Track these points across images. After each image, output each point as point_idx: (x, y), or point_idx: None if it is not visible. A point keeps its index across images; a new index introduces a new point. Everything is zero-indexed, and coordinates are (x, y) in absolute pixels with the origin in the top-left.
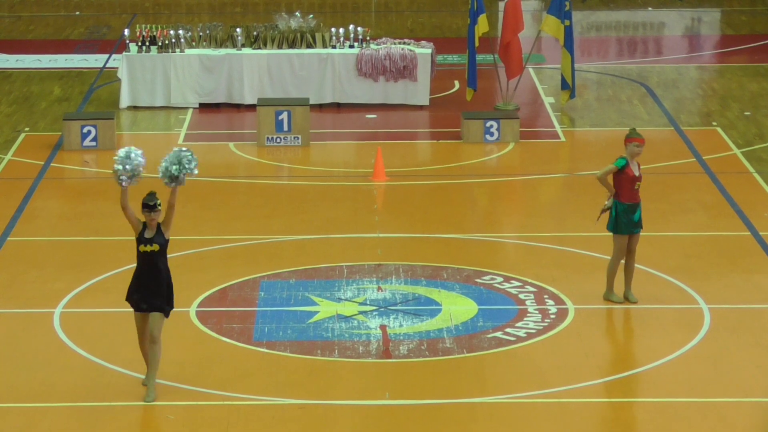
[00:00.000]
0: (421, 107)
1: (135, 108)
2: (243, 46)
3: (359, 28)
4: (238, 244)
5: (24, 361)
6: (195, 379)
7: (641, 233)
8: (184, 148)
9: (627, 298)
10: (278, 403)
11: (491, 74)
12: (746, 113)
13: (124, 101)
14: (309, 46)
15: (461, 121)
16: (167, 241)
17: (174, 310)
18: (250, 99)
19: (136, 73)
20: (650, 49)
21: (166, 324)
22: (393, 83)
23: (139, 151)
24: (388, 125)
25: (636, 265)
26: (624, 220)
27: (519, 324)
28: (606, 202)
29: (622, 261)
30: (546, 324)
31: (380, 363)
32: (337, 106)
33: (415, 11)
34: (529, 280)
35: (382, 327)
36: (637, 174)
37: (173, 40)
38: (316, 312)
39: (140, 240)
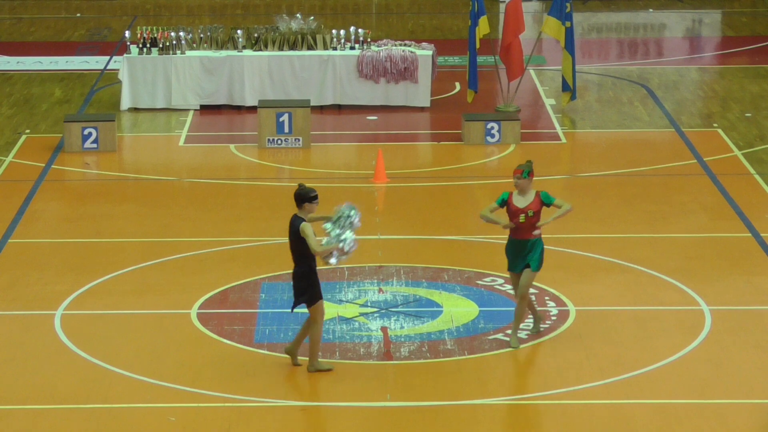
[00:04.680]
0: (422, 109)
1: (136, 110)
2: (244, 47)
3: (360, 30)
4: (239, 246)
5: (25, 363)
6: (196, 380)
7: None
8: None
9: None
10: (279, 404)
11: (492, 76)
12: (747, 115)
13: (125, 103)
14: (310, 47)
15: (462, 123)
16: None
17: (175, 312)
18: (250, 101)
19: (137, 74)
20: (651, 51)
21: (167, 326)
22: (394, 85)
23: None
24: (389, 127)
25: (637, 266)
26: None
27: (520, 326)
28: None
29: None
30: (547, 325)
31: (381, 365)
32: (338, 108)
33: (415, 13)
34: None
35: (383, 329)
36: (521, 206)
37: (174, 42)
38: None
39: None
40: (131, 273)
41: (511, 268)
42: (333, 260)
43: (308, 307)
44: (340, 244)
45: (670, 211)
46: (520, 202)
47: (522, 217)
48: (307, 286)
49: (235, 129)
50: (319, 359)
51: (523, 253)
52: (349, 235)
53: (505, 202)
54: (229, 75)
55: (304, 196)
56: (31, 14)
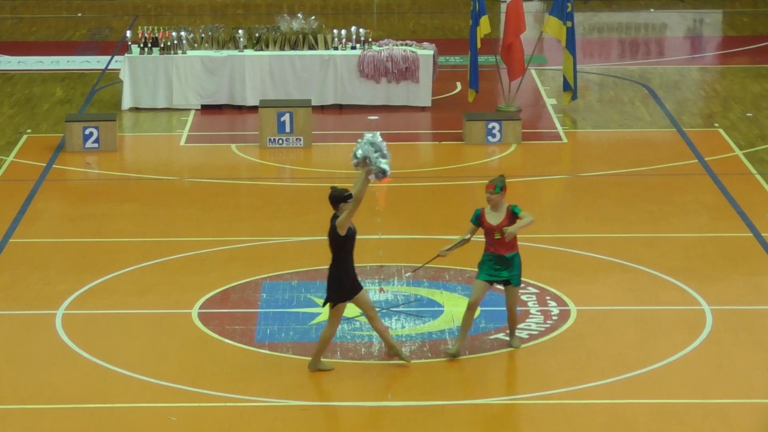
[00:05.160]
0: (423, 109)
1: (137, 109)
2: (245, 47)
3: (361, 30)
4: (240, 245)
5: (26, 363)
6: (197, 380)
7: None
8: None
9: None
10: (280, 404)
11: (493, 76)
12: (748, 114)
13: (126, 103)
14: (311, 47)
15: (463, 123)
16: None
17: (176, 311)
18: (252, 100)
19: (138, 74)
20: (652, 51)
21: (169, 325)
22: (395, 85)
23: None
24: (390, 126)
25: (638, 266)
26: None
27: (521, 325)
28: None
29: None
30: (548, 325)
31: (382, 365)
32: (339, 108)
33: (417, 13)
34: (531, 282)
35: (385, 329)
36: (494, 224)
37: (175, 42)
38: (318, 314)
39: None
40: (132, 273)
41: (481, 278)
42: (383, 174)
43: (330, 307)
44: (358, 155)
45: (671, 211)
46: (493, 218)
47: (497, 235)
48: (332, 288)
49: (237, 129)
50: (322, 359)
51: (501, 268)
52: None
53: (479, 219)
54: (231, 75)
55: (338, 197)
56: (33, 14)
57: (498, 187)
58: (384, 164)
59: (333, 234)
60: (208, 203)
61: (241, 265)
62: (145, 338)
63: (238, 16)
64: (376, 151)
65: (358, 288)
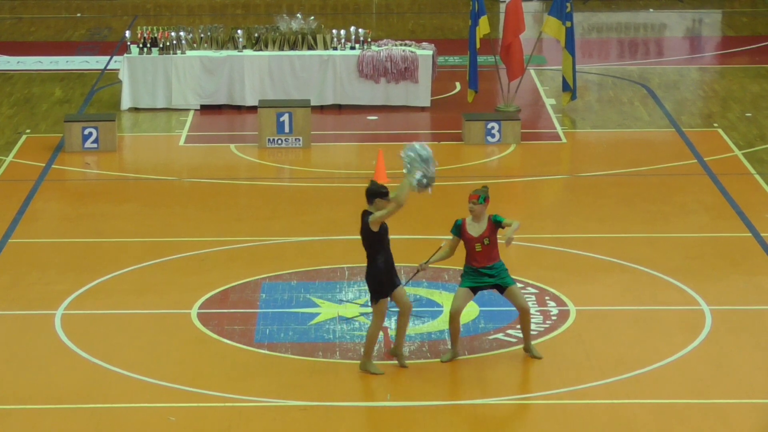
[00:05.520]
0: (422, 109)
1: (136, 110)
2: (244, 47)
3: (360, 30)
4: (239, 245)
5: (25, 363)
6: (196, 380)
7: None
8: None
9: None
10: (280, 404)
11: (492, 76)
12: (747, 114)
13: (126, 103)
14: (310, 47)
15: (462, 123)
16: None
17: (175, 311)
18: (251, 100)
19: (137, 74)
20: (651, 51)
21: (168, 325)
22: (394, 85)
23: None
24: (389, 127)
25: (637, 266)
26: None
27: (520, 326)
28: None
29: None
30: (547, 325)
31: (382, 364)
32: (339, 108)
33: (416, 13)
34: (531, 282)
35: (384, 329)
36: (475, 235)
37: (174, 42)
38: (318, 314)
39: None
40: (131, 273)
41: (463, 284)
42: (428, 191)
43: (371, 304)
44: (413, 182)
45: (670, 211)
46: (473, 229)
47: (478, 246)
48: (370, 288)
49: (236, 129)
50: (373, 361)
51: (484, 278)
52: (417, 173)
53: (460, 230)
54: (230, 75)
55: (375, 192)
56: (32, 14)
57: (481, 197)
58: (430, 179)
59: (365, 231)
60: (207, 203)
61: (241, 265)
62: (144, 338)
63: (237, 16)
64: (424, 164)
65: (397, 283)
